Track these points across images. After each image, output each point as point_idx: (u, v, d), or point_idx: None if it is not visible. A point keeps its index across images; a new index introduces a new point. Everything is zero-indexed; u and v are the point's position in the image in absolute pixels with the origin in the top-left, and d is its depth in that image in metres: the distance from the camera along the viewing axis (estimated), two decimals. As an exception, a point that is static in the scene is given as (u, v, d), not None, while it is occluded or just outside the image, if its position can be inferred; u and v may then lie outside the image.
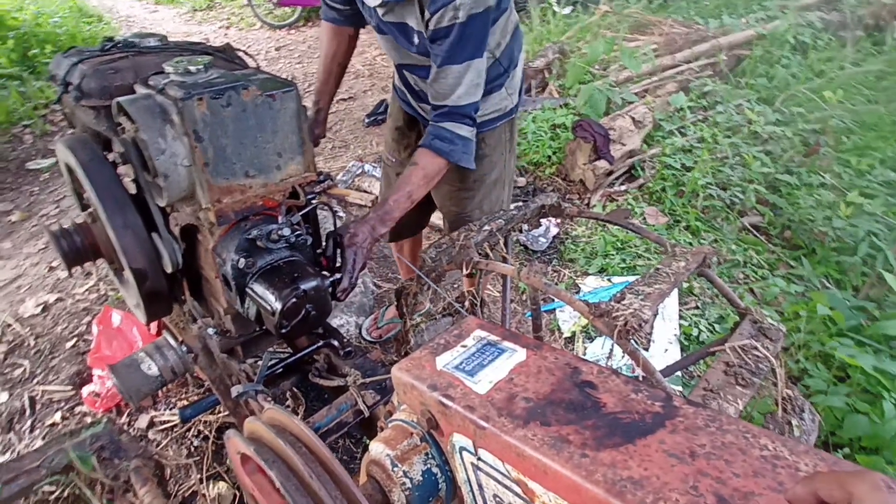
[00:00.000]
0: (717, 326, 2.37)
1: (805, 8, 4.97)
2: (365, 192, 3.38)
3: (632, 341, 1.05)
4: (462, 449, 0.68)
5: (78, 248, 1.28)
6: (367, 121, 4.24)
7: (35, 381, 2.17)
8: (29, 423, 2.00)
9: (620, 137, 3.31)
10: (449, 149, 1.40)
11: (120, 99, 1.07)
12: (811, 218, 2.81)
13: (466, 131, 1.43)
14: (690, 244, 2.76)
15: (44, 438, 1.94)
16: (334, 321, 2.29)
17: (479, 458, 0.66)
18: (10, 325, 2.45)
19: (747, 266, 2.69)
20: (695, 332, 2.33)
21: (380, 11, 1.39)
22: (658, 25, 4.60)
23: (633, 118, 3.45)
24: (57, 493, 0.86)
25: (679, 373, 2.09)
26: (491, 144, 1.69)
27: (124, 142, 1.09)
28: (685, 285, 2.51)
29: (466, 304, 1.68)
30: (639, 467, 0.54)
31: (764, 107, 3.78)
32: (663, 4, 5.55)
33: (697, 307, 2.46)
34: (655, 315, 1.10)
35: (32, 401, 2.08)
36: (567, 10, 5.65)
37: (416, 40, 1.39)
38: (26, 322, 2.48)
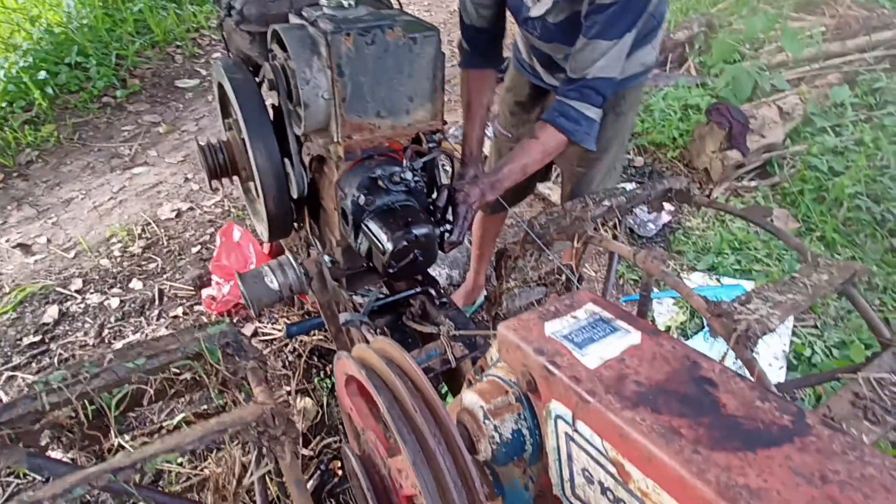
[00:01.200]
0: (835, 351, 2.14)
1: None
2: (474, 149, 3.35)
3: (749, 349, 0.97)
4: (558, 417, 0.67)
5: (220, 164, 1.40)
6: (486, 78, 4.17)
7: (164, 276, 2.46)
8: (157, 311, 2.29)
9: (761, 128, 2.99)
10: (573, 128, 1.36)
11: (276, 26, 1.13)
12: (983, 251, 2.41)
13: (594, 112, 1.37)
14: (821, 257, 2.47)
15: (167, 328, 2.21)
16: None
17: (575, 430, 0.65)
18: (149, 224, 2.78)
19: (887, 292, 2.38)
20: (807, 352, 2.12)
21: (549, 18, 1.35)
22: (831, 5, 4.02)
23: (780, 108, 3.09)
24: (183, 376, 0.98)
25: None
26: (630, 102, 1.62)
27: (274, 68, 1.15)
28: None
29: (563, 277, 1.64)
30: (757, 478, 0.50)
31: (949, 114, 3.22)
32: (842, -19, 4.81)
33: (816, 326, 2.23)
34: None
35: (161, 293, 2.36)
36: (722, -21, 5.08)
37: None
38: (162, 224, 2.80)
